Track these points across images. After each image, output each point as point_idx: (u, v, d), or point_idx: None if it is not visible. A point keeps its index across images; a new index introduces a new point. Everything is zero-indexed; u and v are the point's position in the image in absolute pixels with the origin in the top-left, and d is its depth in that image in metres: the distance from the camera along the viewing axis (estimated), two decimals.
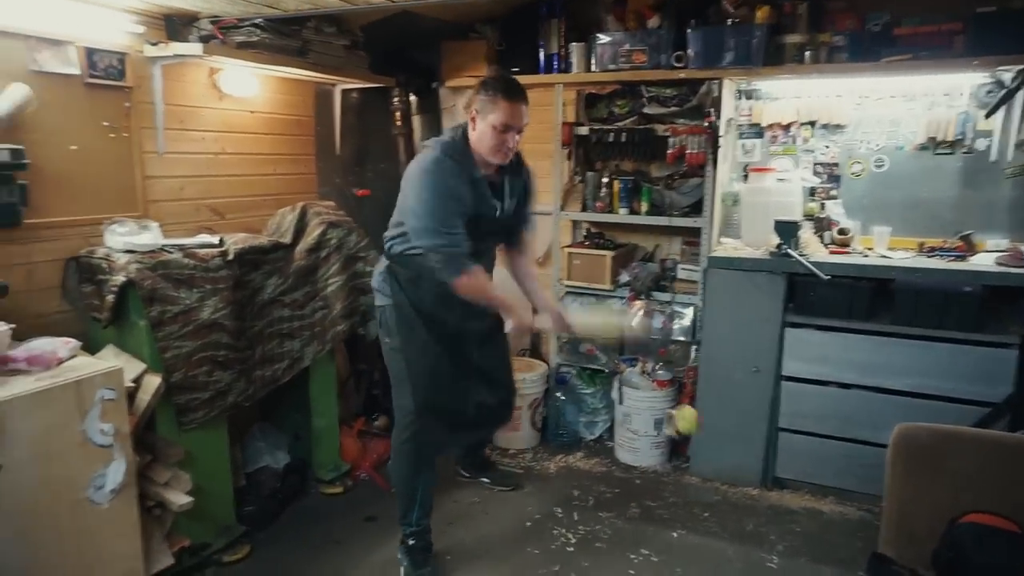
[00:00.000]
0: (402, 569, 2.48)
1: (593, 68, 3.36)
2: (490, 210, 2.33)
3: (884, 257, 2.96)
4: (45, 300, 2.40)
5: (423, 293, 2.34)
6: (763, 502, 3.01)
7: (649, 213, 3.39)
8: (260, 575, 2.48)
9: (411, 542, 2.49)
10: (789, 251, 2.88)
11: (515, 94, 2.20)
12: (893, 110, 3.16)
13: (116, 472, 1.96)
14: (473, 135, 2.26)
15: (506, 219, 2.44)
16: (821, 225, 3.18)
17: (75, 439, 1.88)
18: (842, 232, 3.10)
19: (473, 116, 2.24)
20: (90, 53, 2.47)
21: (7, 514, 1.74)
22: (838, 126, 3.25)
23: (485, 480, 3.15)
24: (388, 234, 2.43)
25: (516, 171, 2.44)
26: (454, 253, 2.16)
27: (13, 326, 1.91)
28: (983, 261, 2.83)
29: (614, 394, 3.38)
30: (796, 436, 3.03)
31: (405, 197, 2.28)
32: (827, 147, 3.30)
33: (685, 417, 2.89)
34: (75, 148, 2.46)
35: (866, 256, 2.99)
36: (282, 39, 2.87)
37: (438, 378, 2.39)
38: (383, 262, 2.46)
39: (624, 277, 3.45)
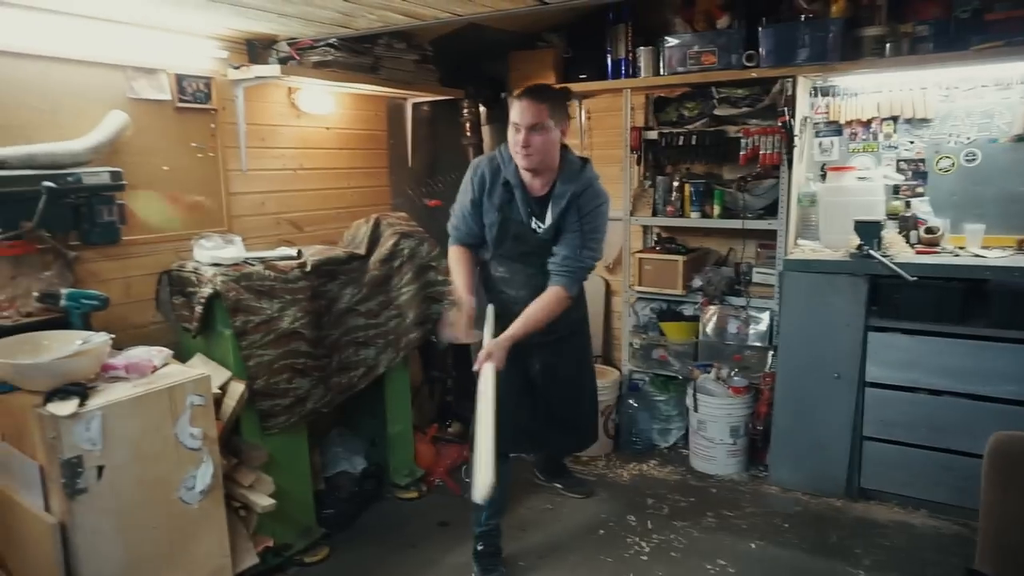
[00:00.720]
0: (473, 574, 2.51)
1: (662, 71, 3.33)
2: (525, 228, 2.43)
3: (977, 256, 2.79)
4: (141, 312, 2.56)
5: (492, 296, 2.55)
6: (848, 514, 2.88)
7: (722, 216, 3.32)
8: None
9: (479, 547, 2.52)
10: (871, 252, 2.76)
11: (526, 94, 2.30)
12: (985, 100, 2.99)
13: (205, 474, 2.07)
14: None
15: (542, 240, 2.42)
16: (906, 224, 3.04)
17: (168, 442, 1.99)
18: (929, 231, 2.95)
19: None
20: (180, 79, 2.63)
21: (109, 511, 1.87)
22: (923, 120, 3.10)
23: (558, 485, 3.15)
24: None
25: (565, 188, 2.37)
26: (452, 221, 2.55)
27: (113, 336, 2.04)
28: None
29: (688, 401, 3.32)
30: (883, 445, 2.89)
31: None
32: (911, 142, 3.15)
33: None
34: (167, 168, 2.62)
35: (957, 255, 2.84)
36: (355, 57, 2.97)
37: (511, 384, 2.40)
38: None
39: (697, 282, 3.39)
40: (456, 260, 2.52)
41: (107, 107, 2.39)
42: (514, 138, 2.32)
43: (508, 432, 2.47)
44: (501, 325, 2.37)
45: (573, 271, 2.40)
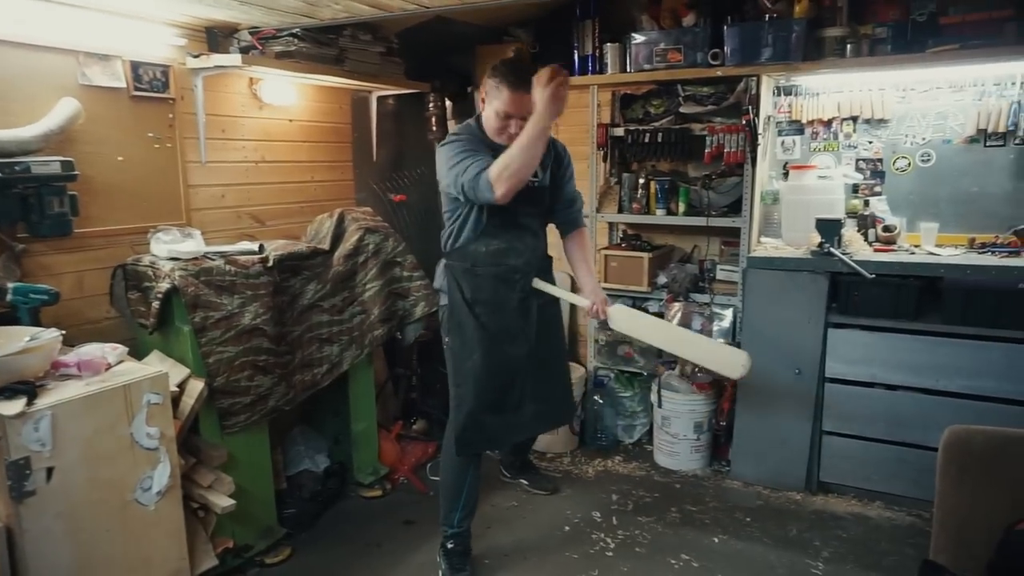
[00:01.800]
0: (440, 572, 2.49)
1: (628, 68, 3.33)
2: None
3: (932, 254, 2.87)
4: (94, 307, 2.48)
5: (481, 281, 2.39)
6: (807, 507, 2.94)
7: (687, 214, 3.35)
8: None
9: (450, 545, 2.49)
10: (832, 250, 2.81)
11: (522, 85, 2.17)
12: (940, 102, 3.06)
13: (162, 474, 2.01)
14: (483, 117, 2.33)
15: (542, 191, 2.45)
16: (865, 223, 3.10)
17: (123, 442, 1.93)
18: (887, 229, 3.02)
19: (483, 99, 2.31)
20: (135, 67, 2.55)
21: (59, 514, 1.80)
22: (881, 121, 3.17)
23: (524, 482, 3.15)
24: (443, 233, 2.48)
25: (548, 151, 2.40)
26: (473, 173, 2.14)
27: (64, 332, 1.97)
28: None
29: (653, 397, 3.34)
30: (841, 439, 2.95)
31: (441, 179, 2.35)
32: (870, 142, 3.21)
33: None
34: (122, 159, 2.54)
35: (912, 253, 2.91)
36: (319, 48, 2.92)
37: (488, 375, 2.40)
38: (442, 261, 2.51)
39: (662, 279, 3.41)
40: (505, 154, 2.16)
41: (58, 94, 2.30)
42: (500, 124, 2.26)
43: (489, 432, 2.48)
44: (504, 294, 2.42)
45: (581, 212, 2.65)
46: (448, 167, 2.24)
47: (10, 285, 2.05)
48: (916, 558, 2.40)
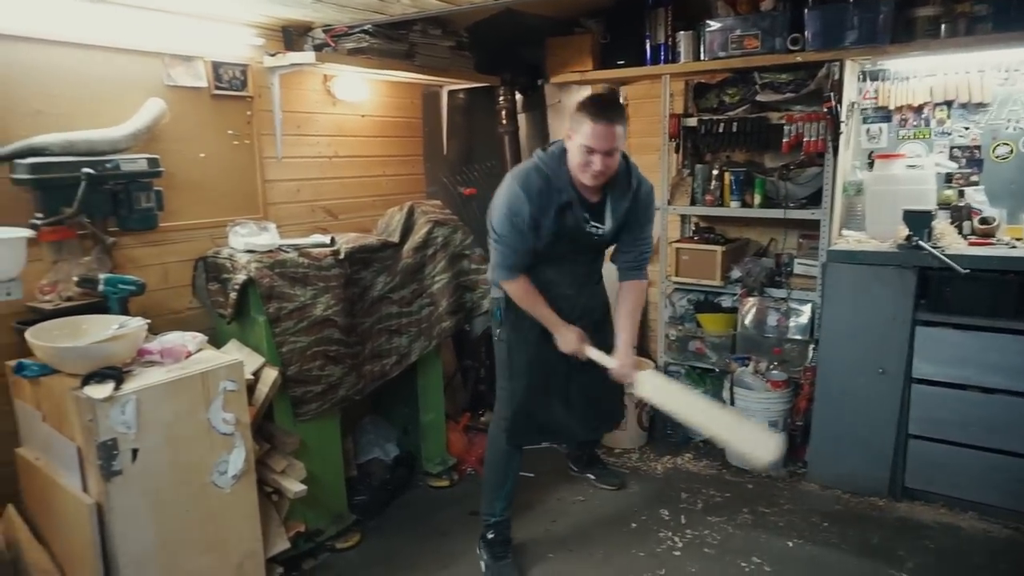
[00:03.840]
0: (482, 563, 2.50)
1: (702, 57, 3.24)
2: (581, 232, 2.32)
3: None
4: (177, 297, 2.60)
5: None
6: (891, 514, 2.79)
7: (763, 206, 3.23)
8: (370, 562, 2.57)
9: (490, 536, 2.51)
10: (921, 243, 2.65)
11: (603, 116, 2.11)
12: None
13: (237, 459, 2.09)
14: (569, 153, 2.23)
15: (606, 240, 2.40)
16: (959, 214, 2.90)
17: (201, 426, 2.01)
18: (984, 221, 2.81)
19: (569, 134, 2.21)
20: (216, 67, 2.64)
21: (144, 493, 1.89)
22: (980, 105, 2.96)
23: (591, 476, 3.12)
24: None
25: (623, 192, 2.33)
26: (507, 263, 2.29)
27: (149, 321, 2.07)
28: None
29: (725, 394, 3.24)
30: (930, 444, 2.78)
31: (490, 211, 2.33)
32: (967, 128, 3.00)
33: None
34: (203, 156, 2.65)
35: (1014, 247, 2.70)
36: (390, 43, 2.96)
37: (539, 369, 2.43)
38: None
39: (735, 273, 3.30)
40: (530, 293, 2.34)
41: (145, 94, 2.41)
42: (585, 159, 2.15)
43: (539, 423, 2.50)
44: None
45: (645, 263, 2.48)
46: (497, 220, 2.25)
47: (102, 276, 2.17)
48: (1013, 574, 2.24)
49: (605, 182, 2.26)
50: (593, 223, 2.33)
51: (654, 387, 2.39)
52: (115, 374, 1.87)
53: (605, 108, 2.14)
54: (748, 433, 2.32)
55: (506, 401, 2.47)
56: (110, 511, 1.84)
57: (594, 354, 2.38)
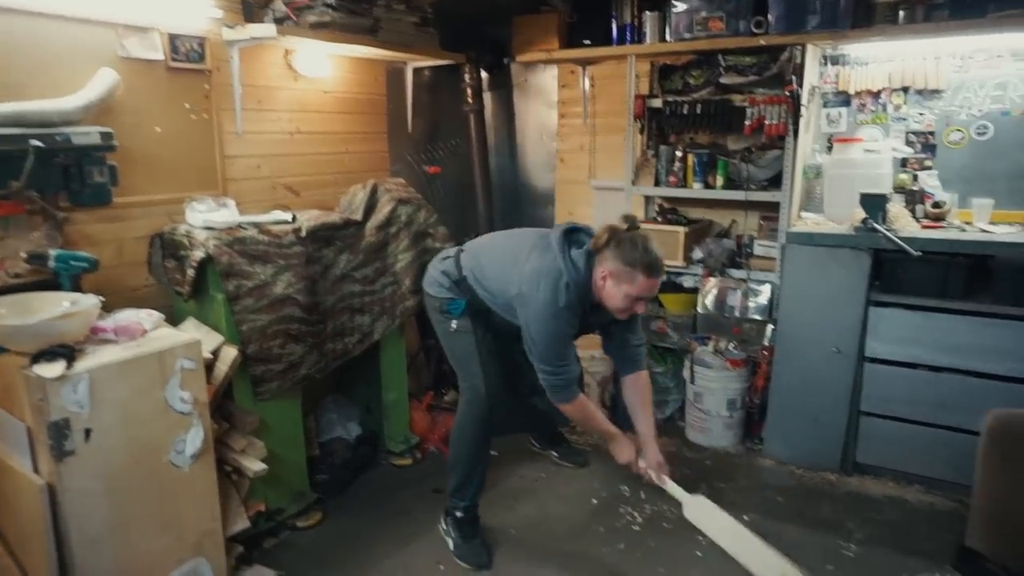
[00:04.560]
0: (450, 541, 2.51)
1: (668, 38, 3.24)
2: (585, 322, 2.33)
3: (984, 232, 2.74)
4: (133, 275, 2.54)
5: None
6: (841, 488, 2.88)
7: (725, 187, 3.27)
8: (332, 540, 2.57)
9: (459, 514, 2.51)
10: (876, 226, 2.71)
11: (656, 272, 2.14)
12: (1000, 71, 2.91)
13: (195, 438, 2.06)
14: (601, 286, 2.20)
15: (597, 330, 2.48)
16: (913, 198, 2.97)
17: (158, 405, 1.98)
18: (936, 205, 2.89)
19: (604, 273, 2.17)
20: (172, 38, 2.57)
21: (98, 473, 1.86)
22: (935, 91, 3.02)
23: (554, 454, 3.15)
24: (471, 276, 2.43)
25: None
26: (565, 381, 2.25)
27: (103, 299, 2.02)
28: None
29: (685, 373, 3.30)
30: (880, 420, 2.87)
31: (525, 317, 2.23)
32: (921, 114, 3.07)
33: None
34: (160, 130, 2.58)
35: (963, 231, 2.78)
36: (353, 18, 2.91)
37: (503, 361, 2.46)
38: (451, 271, 2.47)
39: (698, 254, 3.35)
40: (592, 411, 2.39)
41: (97, 65, 2.34)
42: (630, 304, 2.18)
43: (513, 411, 2.54)
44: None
45: (640, 357, 2.50)
46: (545, 342, 2.20)
47: (52, 252, 2.11)
48: (954, 544, 2.32)
49: None
50: (593, 319, 2.36)
51: (705, 515, 2.29)
52: (66, 352, 1.83)
53: (657, 264, 2.15)
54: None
55: (480, 391, 2.44)
56: (62, 492, 1.80)
57: (639, 461, 2.36)
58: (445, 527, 2.56)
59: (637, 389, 2.47)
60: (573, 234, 2.31)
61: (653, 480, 2.33)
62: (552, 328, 2.19)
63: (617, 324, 2.41)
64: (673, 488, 2.31)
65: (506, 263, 2.35)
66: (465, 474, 2.50)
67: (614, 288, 2.17)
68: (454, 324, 2.45)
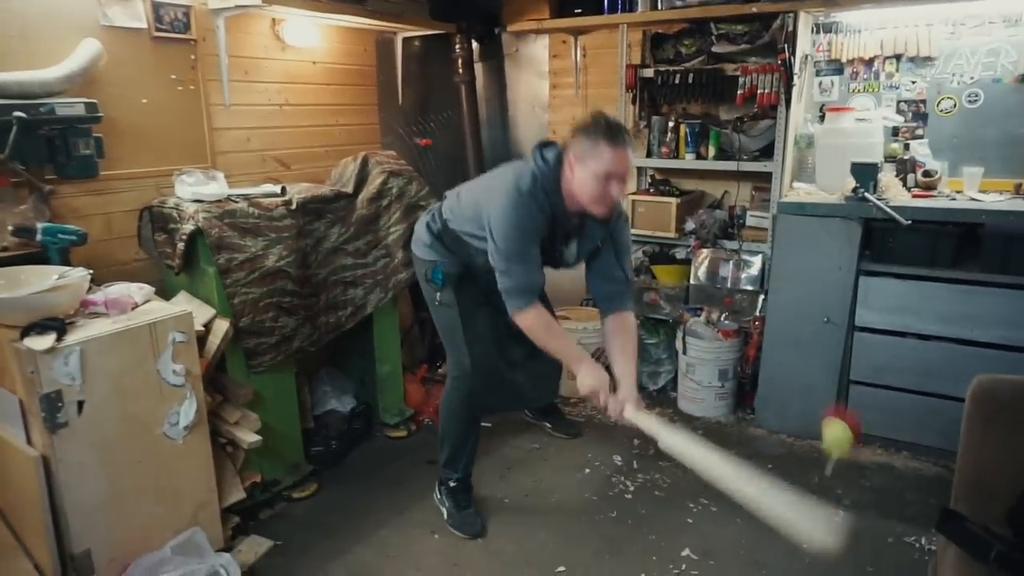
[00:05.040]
0: (444, 510, 2.53)
1: (659, 6, 3.21)
2: (559, 244, 2.22)
3: (974, 200, 2.75)
4: (123, 248, 2.53)
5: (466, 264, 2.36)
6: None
7: (717, 158, 3.26)
8: (327, 511, 2.59)
9: (452, 484, 2.53)
10: (866, 195, 2.71)
11: (620, 139, 1.99)
12: (992, 38, 2.89)
13: (188, 410, 2.07)
14: (571, 181, 2.07)
15: (567, 263, 2.31)
16: (904, 167, 2.97)
17: (150, 378, 1.98)
18: (927, 174, 2.89)
19: (571, 161, 2.04)
20: (156, 7, 2.54)
21: (92, 445, 1.87)
22: (927, 59, 3.01)
23: (547, 425, 3.17)
24: (451, 215, 2.33)
25: (603, 222, 2.20)
26: (522, 285, 2.08)
27: (92, 272, 2.01)
28: None
29: (678, 344, 3.32)
30: (869, 389, 2.90)
31: (488, 214, 2.11)
32: (913, 83, 3.06)
33: (835, 439, 2.07)
34: (146, 101, 2.55)
35: (953, 199, 2.79)
36: None
37: (490, 335, 2.39)
38: (434, 220, 2.39)
39: (690, 225, 3.35)
40: (551, 323, 2.19)
41: (79, 35, 2.31)
42: (603, 189, 2.01)
43: (501, 387, 2.46)
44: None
45: (626, 295, 2.30)
46: (504, 237, 2.05)
47: (40, 225, 2.10)
48: (939, 508, 2.36)
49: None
50: (564, 246, 2.24)
51: (679, 445, 2.00)
52: (57, 325, 1.82)
53: (619, 131, 2.00)
54: (793, 511, 1.78)
55: (466, 367, 2.39)
56: (57, 463, 1.82)
57: (608, 397, 2.09)
58: (439, 496, 2.58)
59: (617, 331, 2.24)
60: (548, 145, 2.19)
61: (620, 415, 2.06)
62: (512, 218, 2.03)
63: (600, 255, 2.27)
64: (646, 420, 2.05)
65: (482, 185, 2.30)
66: (455, 447, 2.52)
67: (582, 173, 2.02)
68: (438, 297, 2.37)
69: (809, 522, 1.72)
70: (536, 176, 2.08)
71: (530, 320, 2.10)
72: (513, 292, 2.09)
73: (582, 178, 2.03)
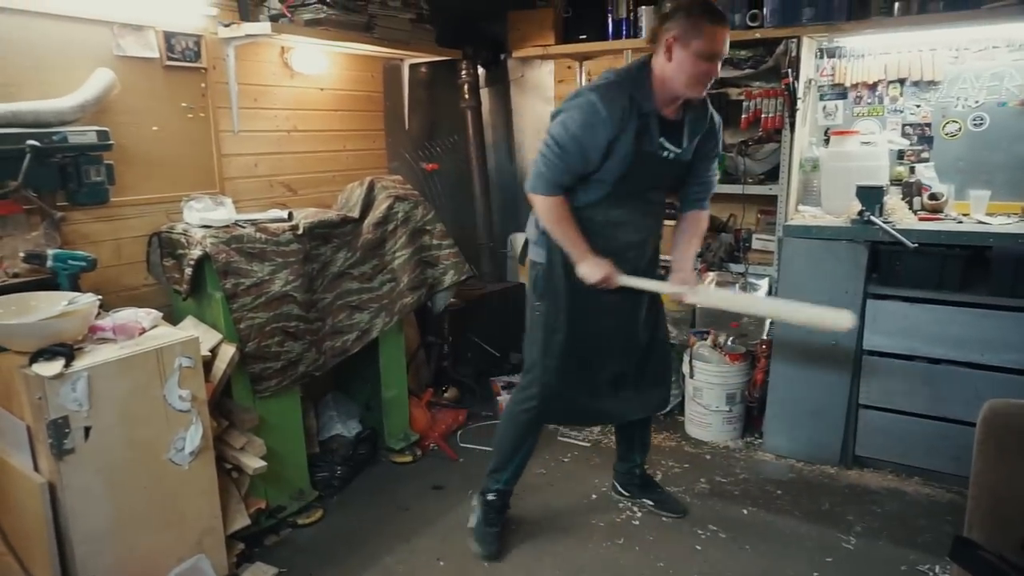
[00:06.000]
0: (473, 517, 2.50)
1: None
2: (655, 158, 2.14)
3: (981, 223, 2.74)
4: (132, 274, 2.55)
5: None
6: (841, 481, 2.88)
7: (722, 181, 3.23)
8: (332, 538, 2.57)
9: (491, 497, 2.49)
10: (872, 218, 2.71)
11: (720, 17, 2.00)
12: (996, 62, 2.91)
13: (194, 435, 2.07)
14: (665, 67, 2.03)
15: (680, 165, 2.22)
16: (910, 190, 2.97)
17: (156, 403, 1.99)
18: (933, 197, 2.89)
19: (669, 44, 2.00)
20: (168, 37, 2.57)
21: (98, 471, 1.87)
22: (931, 83, 3.02)
23: (648, 503, 2.72)
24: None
25: (701, 112, 2.21)
26: (555, 174, 2.10)
27: (100, 298, 2.02)
28: None
29: (684, 368, 3.30)
30: (879, 413, 2.87)
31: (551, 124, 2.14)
32: (918, 106, 3.07)
33: None
34: (156, 129, 2.58)
35: (960, 222, 2.78)
36: (348, 15, 2.91)
37: (576, 350, 2.29)
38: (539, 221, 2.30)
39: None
40: (564, 214, 2.16)
41: (93, 65, 2.34)
42: (703, 68, 1.99)
43: (569, 404, 2.36)
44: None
45: (709, 196, 2.39)
46: (557, 127, 2.07)
47: (50, 252, 2.11)
48: (952, 535, 2.33)
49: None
50: (669, 144, 2.15)
51: (716, 296, 2.34)
52: (65, 351, 1.83)
53: (719, 10, 2.00)
54: (815, 311, 2.12)
55: (535, 378, 2.34)
56: (63, 490, 1.81)
57: (632, 281, 2.19)
58: (475, 502, 2.54)
59: (690, 225, 2.35)
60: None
61: (682, 299, 2.26)
62: (570, 119, 2.04)
63: (697, 163, 2.27)
64: (707, 296, 2.31)
65: None
66: (503, 458, 2.48)
67: (682, 54, 1.99)
68: (535, 303, 2.31)
69: (828, 315, 2.06)
70: (613, 78, 2.08)
71: (547, 204, 2.14)
72: (539, 177, 2.12)
73: (681, 59, 2.00)
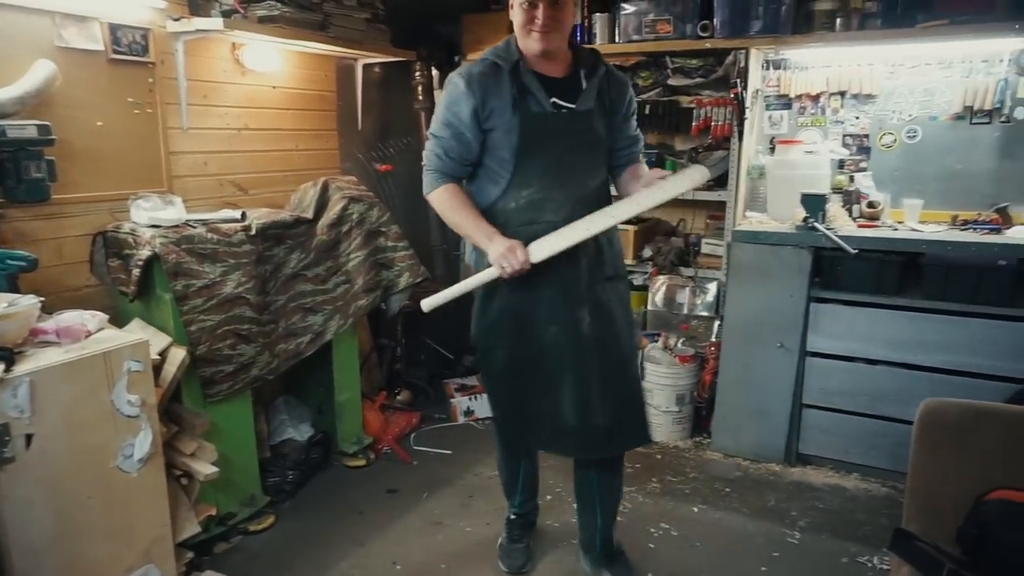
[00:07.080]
0: (501, 538, 2.50)
1: (617, 39, 3.31)
2: (548, 108, 1.96)
3: (914, 230, 2.88)
4: (75, 274, 2.45)
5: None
6: (785, 478, 2.99)
7: None
8: (284, 544, 2.53)
9: (512, 516, 2.50)
10: (815, 225, 2.82)
11: None
12: (928, 78, 3.06)
13: (143, 442, 2.00)
14: (514, 27, 1.95)
15: (584, 119, 2.00)
16: (850, 198, 3.11)
17: (103, 409, 1.92)
18: (871, 205, 3.03)
19: (510, 4, 1.93)
20: (114, 29, 2.49)
21: (40, 480, 1.79)
22: (869, 96, 3.17)
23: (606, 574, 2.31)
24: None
25: (591, 63, 2.03)
26: (432, 162, 2.03)
27: (44, 299, 1.94)
28: (1019, 234, 2.74)
29: None
30: (821, 412, 2.99)
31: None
32: (857, 118, 3.21)
33: None
34: (101, 124, 2.49)
35: (896, 229, 2.92)
36: (303, 13, 2.87)
37: (518, 371, 2.10)
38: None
39: (647, 252, 3.42)
40: (454, 201, 2.00)
41: (33, 56, 2.24)
42: (526, 16, 1.87)
43: (531, 428, 2.14)
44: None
45: (641, 147, 2.21)
46: (434, 119, 2.03)
47: None
48: (890, 528, 2.43)
49: (564, 51, 1.99)
50: (565, 102, 1.98)
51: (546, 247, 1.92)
52: (5, 355, 1.75)
53: None
54: (669, 183, 1.97)
55: (492, 407, 2.29)
56: (2, 501, 1.73)
57: (549, 245, 1.90)
58: (504, 525, 2.54)
59: (629, 172, 2.16)
60: None
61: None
62: (439, 106, 2.01)
63: (614, 138, 2.10)
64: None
65: None
66: (504, 483, 2.49)
67: (513, 7, 1.91)
68: (472, 330, 2.18)
69: (686, 178, 2.00)
70: (479, 59, 2.00)
71: (436, 198, 2.04)
72: (425, 172, 2.06)
73: (514, 14, 1.92)
